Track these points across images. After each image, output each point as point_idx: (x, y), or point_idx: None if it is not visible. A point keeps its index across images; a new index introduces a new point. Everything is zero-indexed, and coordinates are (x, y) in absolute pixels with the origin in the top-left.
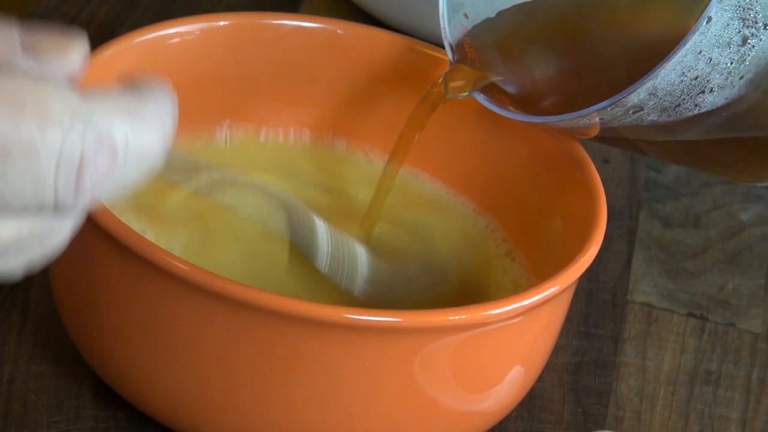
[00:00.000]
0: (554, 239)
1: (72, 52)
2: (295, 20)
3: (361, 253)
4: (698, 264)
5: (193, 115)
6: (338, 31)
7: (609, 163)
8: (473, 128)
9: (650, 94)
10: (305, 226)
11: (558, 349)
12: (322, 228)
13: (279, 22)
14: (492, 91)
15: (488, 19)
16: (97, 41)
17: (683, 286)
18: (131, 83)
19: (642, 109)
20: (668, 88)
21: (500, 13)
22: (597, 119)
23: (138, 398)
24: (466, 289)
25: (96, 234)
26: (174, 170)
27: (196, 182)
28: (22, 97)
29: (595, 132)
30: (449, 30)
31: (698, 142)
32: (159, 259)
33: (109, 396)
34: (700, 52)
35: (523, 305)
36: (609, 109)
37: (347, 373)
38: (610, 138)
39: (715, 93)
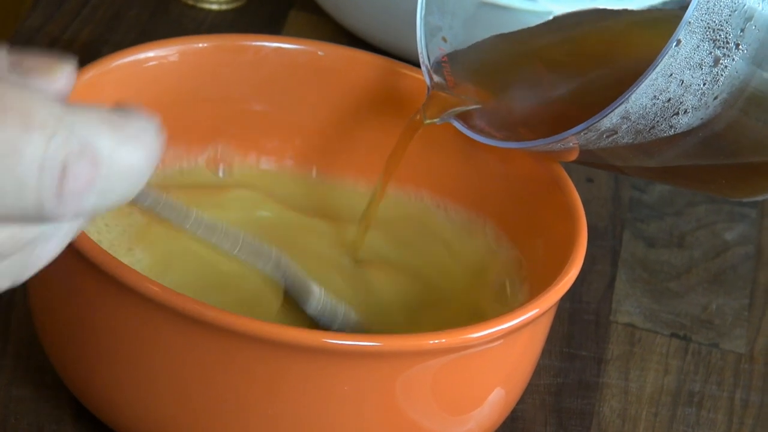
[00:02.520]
0: (536, 259)
1: (59, 73)
2: (275, 42)
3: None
4: (682, 284)
5: (174, 137)
6: (319, 53)
7: (593, 182)
8: (457, 148)
9: (623, 117)
10: (297, 277)
11: (540, 370)
12: (315, 285)
13: (259, 44)
14: (471, 115)
15: (467, 47)
16: (80, 61)
17: (667, 306)
18: (118, 106)
19: (616, 132)
20: (641, 111)
21: (478, 42)
22: (572, 144)
23: (118, 423)
24: (454, 304)
25: (75, 259)
26: (162, 212)
27: (184, 223)
28: (5, 101)
29: (574, 156)
30: (427, 55)
31: (678, 161)
32: (138, 285)
33: (89, 420)
34: (671, 74)
35: (503, 328)
36: (582, 134)
37: (328, 398)
38: (590, 161)
39: (689, 114)
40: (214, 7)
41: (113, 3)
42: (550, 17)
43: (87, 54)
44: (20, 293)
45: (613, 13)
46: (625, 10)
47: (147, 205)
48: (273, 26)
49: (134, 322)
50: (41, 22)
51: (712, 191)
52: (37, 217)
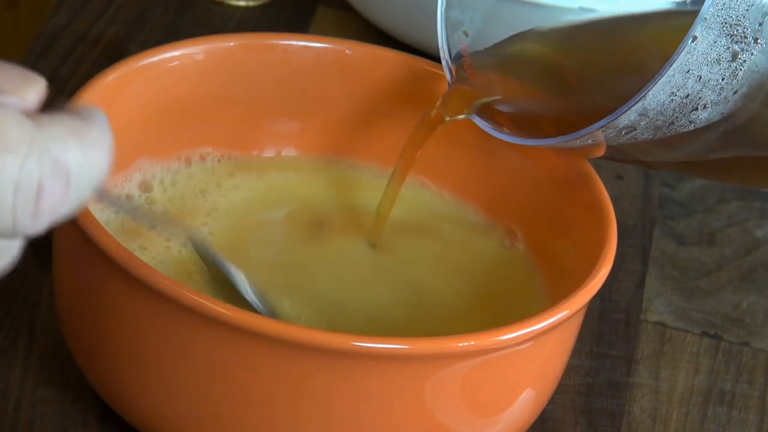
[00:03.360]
0: (566, 258)
1: (30, 92)
2: (302, 41)
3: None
4: (713, 282)
5: (199, 136)
6: (346, 51)
7: (623, 179)
8: (483, 145)
9: (640, 114)
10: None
11: (570, 370)
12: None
13: (286, 42)
14: (492, 112)
15: (489, 46)
16: (106, 59)
17: (697, 304)
18: (72, 109)
19: (635, 129)
20: (659, 108)
21: (499, 41)
22: (590, 141)
23: (144, 424)
24: (481, 303)
25: (102, 262)
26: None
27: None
28: None
29: (600, 152)
30: (447, 50)
31: (702, 154)
32: (165, 287)
33: (115, 422)
34: (688, 71)
35: (533, 330)
36: (601, 131)
37: (355, 400)
38: (615, 156)
39: (709, 109)
40: (241, 3)
41: (139, 1)
42: (569, 15)
43: (113, 52)
44: (46, 295)
45: (633, 15)
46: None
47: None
48: (300, 22)
49: (160, 323)
50: (67, 20)
51: (738, 182)
52: (13, 234)
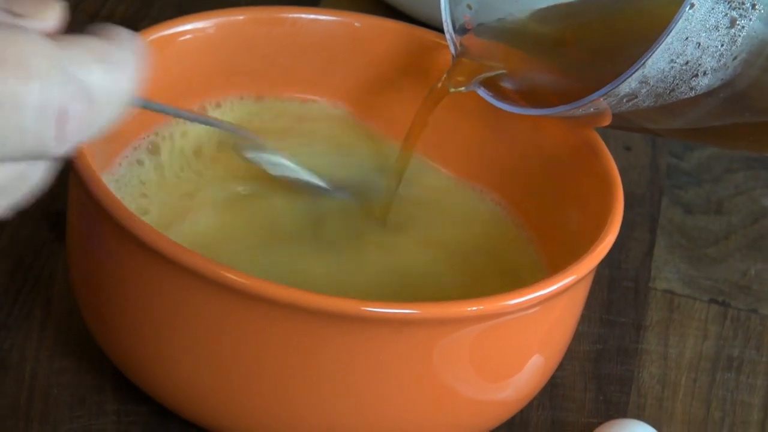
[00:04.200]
0: (573, 227)
1: (49, 13)
2: (312, 14)
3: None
4: (720, 250)
5: (209, 109)
6: (355, 24)
7: (631, 150)
8: (488, 117)
9: (641, 82)
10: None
11: (580, 337)
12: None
13: (296, 15)
14: (495, 83)
15: (493, 19)
16: None
17: (705, 272)
18: (101, 30)
19: (636, 96)
20: (659, 76)
21: (504, 17)
22: (593, 109)
23: (159, 393)
24: (486, 273)
25: (115, 230)
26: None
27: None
28: (3, 51)
29: (606, 121)
30: (451, 23)
31: (705, 121)
32: (178, 255)
33: (130, 390)
34: (687, 38)
35: (540, 295)
36: (602, 99)
37: (366, 365)
38: (620, 124)
39: (709, 75)
40: None
41: None
42: None
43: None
44: (61, 267)
45: None
46: None
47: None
48: None
49: (173, 292)
50: None
51: (742, 148)
52: (40, 157)
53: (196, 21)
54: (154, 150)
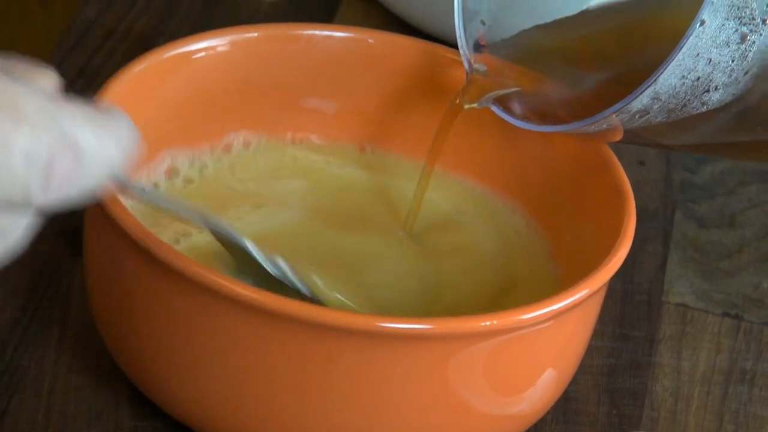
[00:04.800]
0: (587, 240)
1: (41, 79)
2: (325, 30)
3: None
4: (733, 264)
5: (224, 126)
6: (369, 40)
7: (644, 164)
8: (503, 131)
9: (653, 99)
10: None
11: (593, 350)
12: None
13: (310, 32)
14: (509, 99)
15: (507, 36)
16: (136, 51)
17: (718, 286)
18: (96, 104)
19: (648, 113)
20: (671, 92)
21: (517, 33)
22: (605, 126)
23: (176, 408)
24: (505, 286)
25: (132, 248)
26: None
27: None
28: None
29: (618, 136)
30: (464, 40)
31: (718, 135)
32: (193, 273)
33: (147, 406)
34: (698, 54)
35: (553, 309)
36: (614, 116)
37: (380, 380)
38: (633, 140)
39: (720, 90)
40: None
41: None
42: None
43: (142, 45)
44: (78, 283)
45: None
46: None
47: (130, 193)
48: (326, 14)
49: (189, 308)
50: (96, 15)
51: (756, 159)
52: (23, 205)
53: (210, 38)
54: (172, 174)
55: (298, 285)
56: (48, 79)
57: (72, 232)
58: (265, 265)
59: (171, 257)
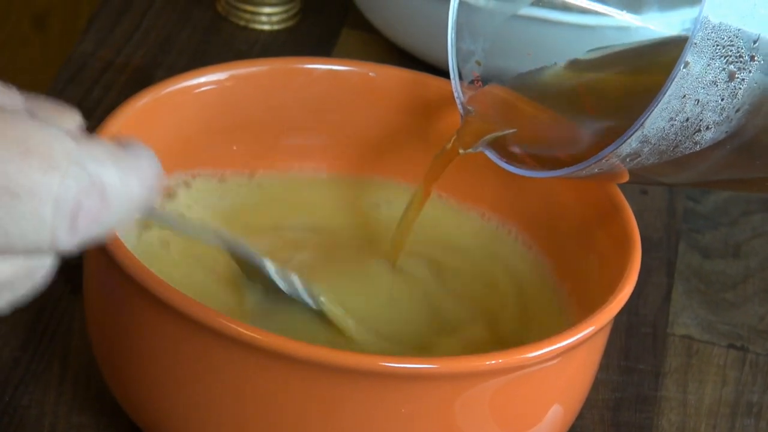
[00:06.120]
0: (593, 276)
1: (65, 120)
2: (326, 64)
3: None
4: (738, 294)
5: (225, 159)
6: (370, 74)
7: (647, 194)
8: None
9: (642, 142)
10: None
11: (598, 384)
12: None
13: (311, 66)
14: (504, 142)
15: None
16: (133, 85)
17: (723, 317)
18: (119, 140)
19: (639, 156)
20: (660, 134)
21: (514, 76)
22: (596, 170)
23: None
24: (506, 314)
25: (133, 288)
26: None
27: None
28: (28, 141)
29: (623, 178)
30: (459, 87)
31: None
32: (195, 313)
33: None
34: (684, 95)
35: (559, 347)
36: (604, 161)
37: (385, 420)
38: (632, 180)
39: (712, 129)
40: (266, 27)
41: (165, 26)
42: (576, 32)
43: (140, 77)
44: (78, 321)
45: (641, 45)
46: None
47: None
48: (325, 45)
49: (190, 348)
50: (94, 47)
51: (756, 191)
52: (50, 249)
53: (212, 73)
54: (171, 195)
55: (310, 303)
56: (71, 120)
57: (72, 268)
58: (281, 287)
59: (172, 297)
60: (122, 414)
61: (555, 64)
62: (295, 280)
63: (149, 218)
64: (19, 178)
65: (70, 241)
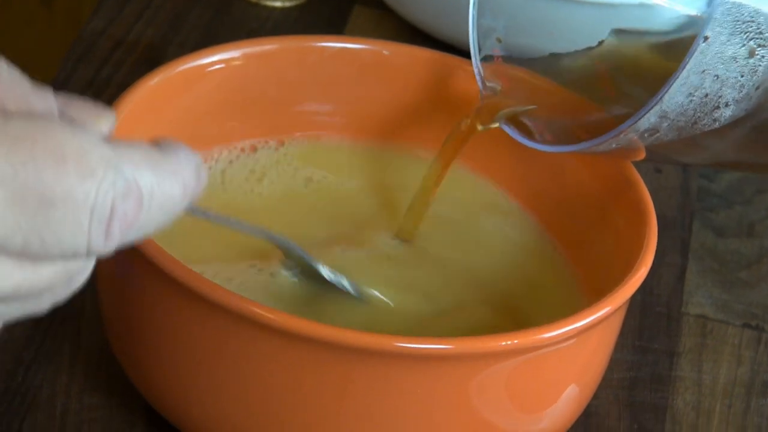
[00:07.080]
0: (607, 254)
1: (102, 122)
2: (340, 42)
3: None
4: (753, 274)
5: (238, 137)
6: (384, 52)
7: (661, 173)
8: (515, 143)
9: (661, 117)
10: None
11: (613, 364)
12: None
13: (324, 44)
14: (524, 116)
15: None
16: (144, 62)
17: (738, 296)
18: (158, 141)
19: (657, 131)
20: (678, 109)
21: (534, 57)
22: (614, 145)
23: (190, 427)
24: (519, 301)
25: (147, 268)
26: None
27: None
28: (64, 148)
29: (640, 155)
30: (479, 64)
31: (733, 151)
32: (209, 293)
33: (162, 426)
34: (704, 71)
35: (575, 327)
36: (622, 135)
37: (400, 401)
38: (649, 158)
39: (732, 107)
40: (278, 4)
41: (176, 3)
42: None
43: (151, 55)
44: (90, 301)
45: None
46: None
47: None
48: (336, 22)
49: (204, 328)
50: (104, 25)
51: None
52: (86, 254)
53: (223, 51)
54: None
55: (350, 290)
56: (107, 122)
57: None
58: (326, 277)
59: (187, 278)
60: (134, 394)
61: (575, 51)
62: (344, 280)
63: (191, 215)
64: (55, 185)
65: (107, 246)
